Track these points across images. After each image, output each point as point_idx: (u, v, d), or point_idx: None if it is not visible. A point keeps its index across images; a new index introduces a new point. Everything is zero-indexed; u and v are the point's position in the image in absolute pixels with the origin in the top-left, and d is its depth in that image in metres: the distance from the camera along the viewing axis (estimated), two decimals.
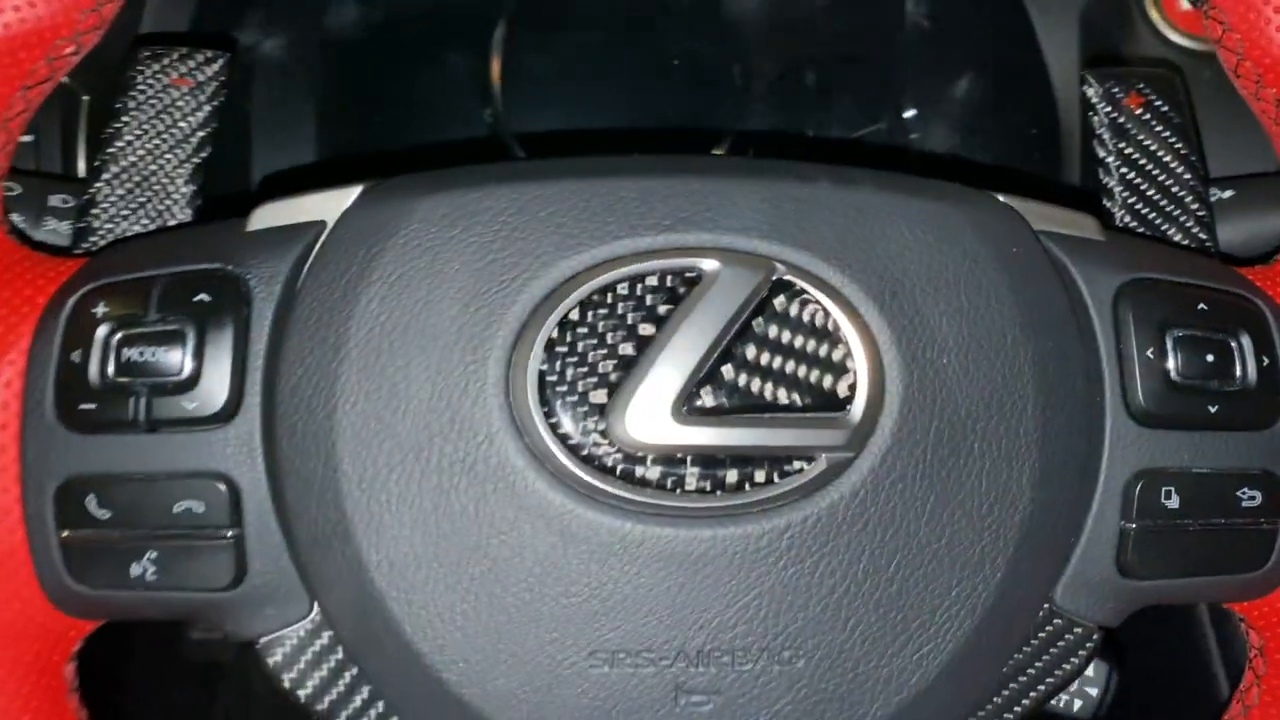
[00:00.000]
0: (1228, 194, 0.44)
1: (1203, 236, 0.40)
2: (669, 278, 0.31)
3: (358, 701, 0.32)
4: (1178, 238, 0.40)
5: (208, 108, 0.39)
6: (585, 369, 0.31)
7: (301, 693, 0.32)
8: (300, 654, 0.32)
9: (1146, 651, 0.47)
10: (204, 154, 0.39)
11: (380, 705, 0.32)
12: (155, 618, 0.32)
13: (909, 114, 0.60)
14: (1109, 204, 0.40)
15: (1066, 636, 0.33)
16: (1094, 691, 0.40)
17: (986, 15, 0.58)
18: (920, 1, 0.60)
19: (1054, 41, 0.56)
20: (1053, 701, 0.41)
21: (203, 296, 0.31)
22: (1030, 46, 0.56)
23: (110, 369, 0.30)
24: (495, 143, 0.62)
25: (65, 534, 0.30)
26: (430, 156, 0.34)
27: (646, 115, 0.65)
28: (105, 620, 0.32)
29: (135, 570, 0.30)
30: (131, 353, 0.30)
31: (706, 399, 0.31)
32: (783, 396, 0.31)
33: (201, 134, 0.39)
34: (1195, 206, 0.40)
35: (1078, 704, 0.40)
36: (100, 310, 0.31)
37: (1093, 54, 0.55)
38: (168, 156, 0.38)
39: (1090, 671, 0.40)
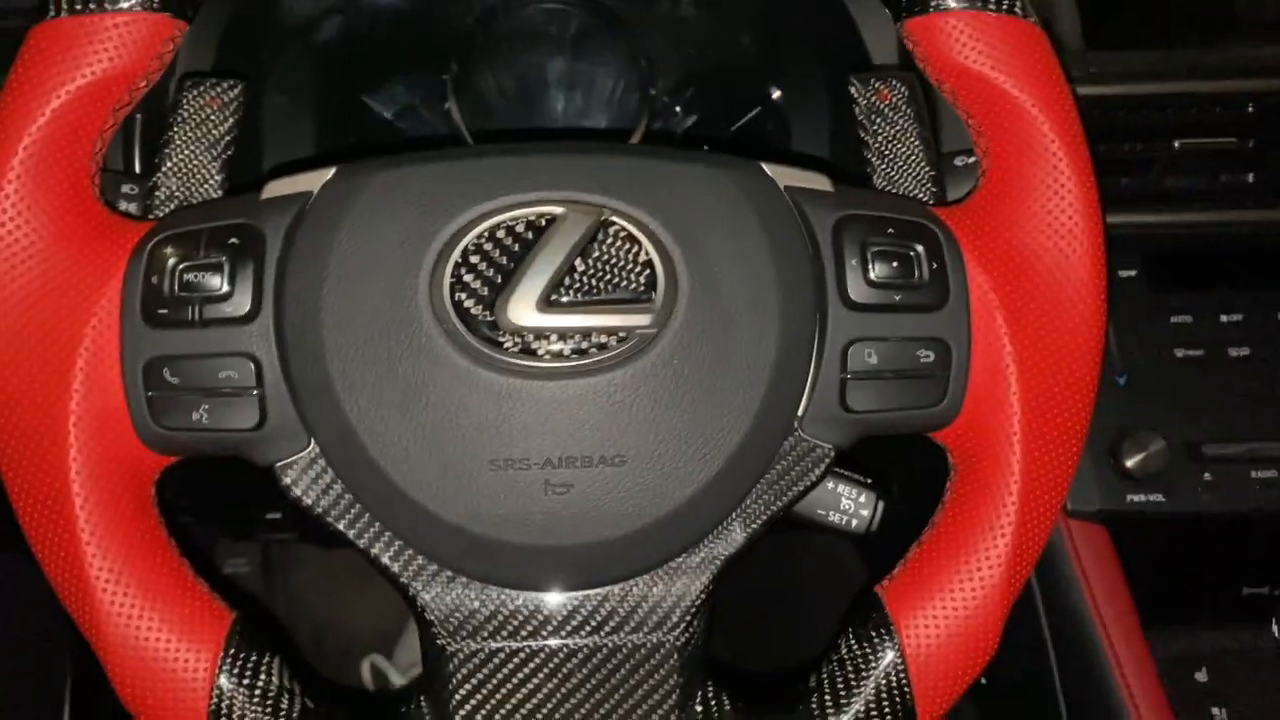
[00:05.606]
0: (972, 159, 0.60)
1: (934, 189, 0.56)
2: (535, 219, 0.47)
3: (343, 505, 0.48)
4: (915, 192, 0.56)
5: (231, 120, 0.55)
6: (481, 281, 0.47)
7: (306, 501, 0.48)
8: (304, 474, 0.47)
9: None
10: (229, 152, 0.55)
11: (358, 506, 0.48)
12: (208, 452, 0.48)
13: (775, 95, 0.78)
14: (870, 171, 0.57)
15: (812, 453, 0.49)
16: (865, 513, 0.56)
17: (825, 31, 0.74)
18: (774, 18, 0.78)
19: (878, 48, 0.72)
20: (838, 521, 0.57)
21: (234, 240, 0.47)
22: (861, 52, 0.73)
23: (176, 287, 0.46)
24: (453, 138, 0.79)
25: (149, 394, 0.46)
26: (398, 148, 0.51)
27: (574, 116, 0.82)
28: (176, 457, 0.49)
29: (195, 416, 0.46)
30: (189, 277, 0.46)
31: (561, 297, 0.47)
32: (610, 294, 0.47)
33: (228, 138, 0.55)
34: (926, 168, 0.56)
35: (854, 522, 0.56)
36: (169, 250, 0.47)
37: (905, 61, 0.71)
38: (204, 155, 0.55)
39: (863, 499, 0.56)
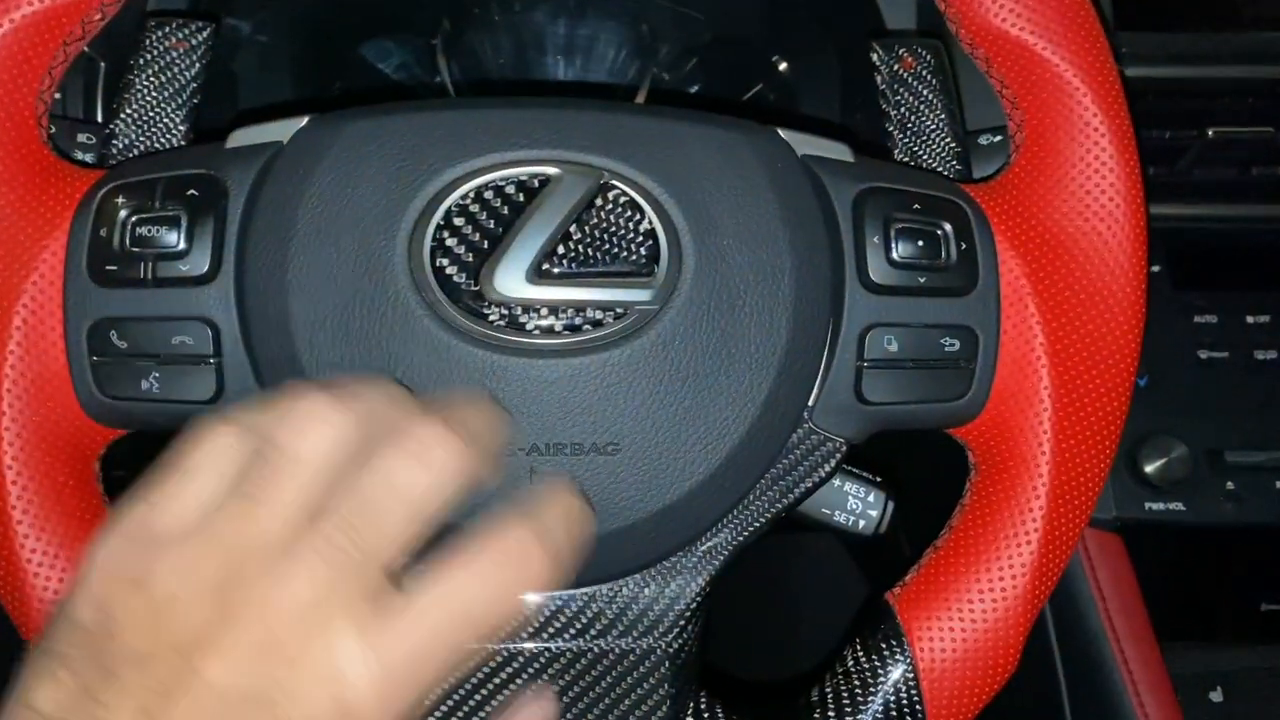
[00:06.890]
0: (998, 138, 0.56)
1: (958, 166, 0.52)
2: (527, 180, 0.43)
3: None
4: (937, 167, 0.52)
5: (198, 65, 0.51)
6: (465, 246, 0.43)
7: None
8: None
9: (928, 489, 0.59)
10: (196, 100, 0.51)
11: None
12: (159, 425, 0.44)
13: (782, 68, 0.74)
14: (890, 144, 0.52)
15: (822, 447, 0.45)
16: (874, 514, 0.52)
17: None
18: None
19: (895, 18, 0.68)
20: (844, 522, 0.53)
21: (192, 192, 0.43)
22: (877, 20, 0.69)
23: (127, 241, 0.42)
24: (436, 93, 0.74)
25: (94, 359, 0.42)
26: (380, 100, 0.46)
27: (570, 82, 0.77)
28: (123, 430, 0.44)
29: (144, 385, 0.42)
30: (142, 230, 0.42)
31: (553, 267, 0.43)
32: (608, 265, 0.43)
33: (194, 85, 0.51)
34: (951, 143, 0.52)
35: (862, 523, 0.52)
36: (120, 200, 0.43)
37: (924, 28, 0.67)
38: (168, 102, 0.50)
39: (872, 499, 0.52)
